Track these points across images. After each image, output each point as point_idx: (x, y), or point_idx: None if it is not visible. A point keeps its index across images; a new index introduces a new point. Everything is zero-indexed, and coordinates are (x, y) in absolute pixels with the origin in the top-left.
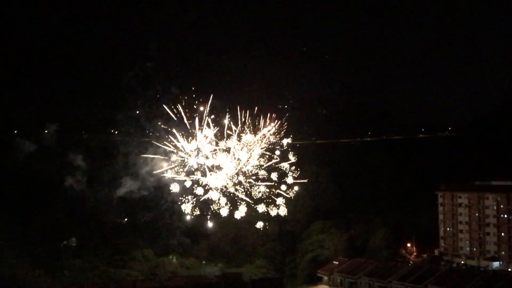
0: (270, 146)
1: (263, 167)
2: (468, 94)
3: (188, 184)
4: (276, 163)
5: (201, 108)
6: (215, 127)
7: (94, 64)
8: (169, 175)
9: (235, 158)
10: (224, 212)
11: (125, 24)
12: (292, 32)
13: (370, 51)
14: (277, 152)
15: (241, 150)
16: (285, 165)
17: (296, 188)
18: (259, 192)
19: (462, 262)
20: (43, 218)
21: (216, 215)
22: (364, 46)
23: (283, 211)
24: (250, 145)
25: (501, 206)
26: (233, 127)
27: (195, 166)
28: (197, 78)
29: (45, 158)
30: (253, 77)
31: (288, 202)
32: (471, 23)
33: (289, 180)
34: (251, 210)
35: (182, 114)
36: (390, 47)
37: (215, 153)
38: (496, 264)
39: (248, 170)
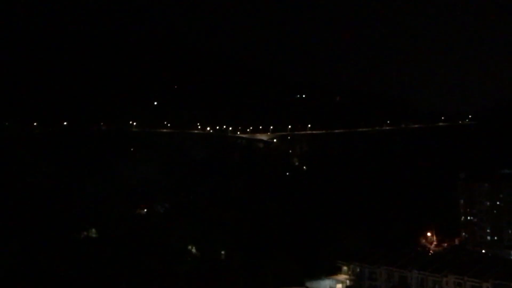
0: None
1: None
2: (488, 81)
3: None
4: None
5: None
6: None
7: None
8: None
9: None
10: None
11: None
12: (309, 19)
13: (389, 38)
14: None
15: None
16: None
17: None
18: None
19: (483, 251)
20: (59, 209)
21: None
22: (383, 34)
23: None
24: None
25: None
26: None
27: None
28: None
29: (58, 148)
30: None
31: None
32: (492, 9)
33: None
34: None
35: None
36: (409, 34)
37: None
38: None
39: None
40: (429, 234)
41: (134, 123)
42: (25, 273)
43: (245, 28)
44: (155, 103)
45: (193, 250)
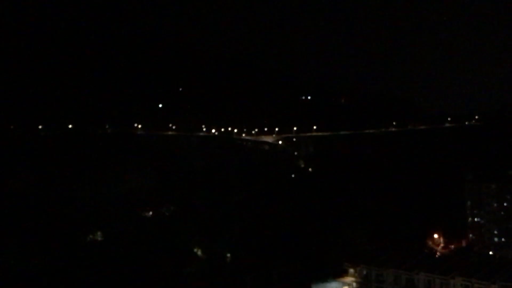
0: None
1: None
2: (494, 82)
3: None
4: None
5: None
6: None
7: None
8: None
9: None
10: None
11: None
12: (314, 21)
13: (394, 39)
14: None
15: None
16: None
17: None
18: None
19: (491, 253)
20: (65, 212)
21: None
22: (389, 35)
23: None
24: None
25: None
26: None
27: None
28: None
29: (63, 150)
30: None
31: None
32: (499, 10)
33: None
34: None
35: None
36: (415, 35)
37: None
38: None
39: None
40: (436, 236)
41: (139, 126)
42: (31, 277)
43: (250, 30)
44: (160, 105)
45: (199, 252)
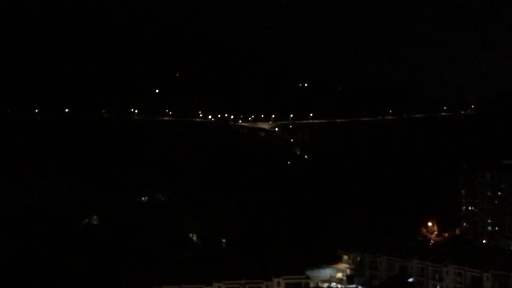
0: None
1: None
2: (491, 71)
3: None
4: None
5: None
6: None
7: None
8: None
9: None
10: None
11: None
12: (311, 8)
13: (391, 28)
14: None
15: None
16: None
17: None
18: None
19: (484, 241)
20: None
21: None
22: (386, 23)
23: None
24: None
25: None
26: None
27: None
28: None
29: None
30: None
31: None
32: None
33: None
34: None
35: None
36: (411, 23)
37: None
38: None
39: None
40: (430, 223)
41: (136, 111)
42: (27, 261)
43: (247, 16)
44: (157, 90)
45: (194, 238)
